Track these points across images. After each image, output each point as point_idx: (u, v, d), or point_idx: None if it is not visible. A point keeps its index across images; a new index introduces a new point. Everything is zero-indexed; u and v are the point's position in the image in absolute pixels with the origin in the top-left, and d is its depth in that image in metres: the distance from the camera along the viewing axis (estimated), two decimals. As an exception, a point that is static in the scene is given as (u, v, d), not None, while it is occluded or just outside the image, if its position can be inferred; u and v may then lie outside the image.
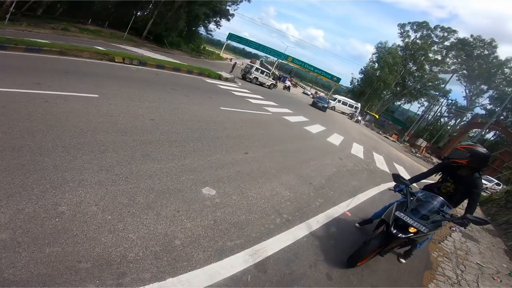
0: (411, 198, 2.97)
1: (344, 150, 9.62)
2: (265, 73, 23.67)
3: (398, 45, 47.36)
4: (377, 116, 41.87)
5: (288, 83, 35.42)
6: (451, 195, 3.14)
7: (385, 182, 7.00)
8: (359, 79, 51.56)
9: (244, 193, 3.40)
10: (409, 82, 48.54)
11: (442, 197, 3.08)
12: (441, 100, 44.63)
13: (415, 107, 52.64)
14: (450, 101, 44.80)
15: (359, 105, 35.16)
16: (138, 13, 30.64)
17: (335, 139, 11.23)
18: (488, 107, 42.77)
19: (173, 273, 1.86)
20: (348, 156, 8.86)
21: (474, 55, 42.35)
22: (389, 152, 15.09)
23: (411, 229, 2.69)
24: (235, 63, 24.30)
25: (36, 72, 5.42)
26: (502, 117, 40.48)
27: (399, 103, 53.73)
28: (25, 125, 2.95)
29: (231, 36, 47.66)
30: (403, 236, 2.70)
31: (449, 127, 45.92)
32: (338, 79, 48.97)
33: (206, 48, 45.89)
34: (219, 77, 14.72)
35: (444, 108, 45.35)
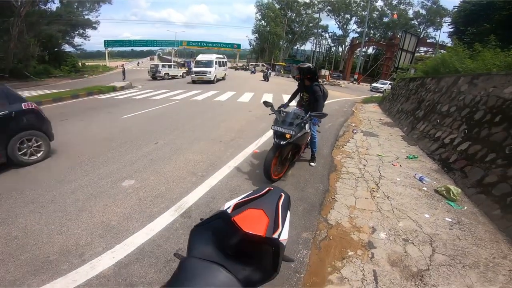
0: (281, 114, 3.67)
1: (254, 103, 10.47)
2: (172, 66, 24.93)
3: None
4: (284, 64, 45.15)
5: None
6: (310, 102, 4.10)
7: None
8: (255, 38, 54.59)
9: (160, 171, 3.94)
10: (295, 28, 54.05)
11: (306, 106, 4.03)
12: (324, 35, 53.64)
13: (309, 47, 59.97)
14: (330, 33, 55.69)
15: (213, 56, 24.40)
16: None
17: (245, 97, 12.11)
18: (358, 30, 50.95)
19: (118, 241, 2.45)
20: (258, 107, 9.58)
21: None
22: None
23: (287, 135, 3.36)
24: (124, 68, 23.07)
25: None
26: (371, 35, 49.13)
27: (296, 47, 59.48)
28: None
29: (109, 43, 44.25)
30: (284, 142, 3.35)
31: (340, 53, 54.05)
32: (239, 45, 52.55)
33: (86, 64, 40.62)
34: (114, 89, 13.97)
35: (329, 40, 54.72)
